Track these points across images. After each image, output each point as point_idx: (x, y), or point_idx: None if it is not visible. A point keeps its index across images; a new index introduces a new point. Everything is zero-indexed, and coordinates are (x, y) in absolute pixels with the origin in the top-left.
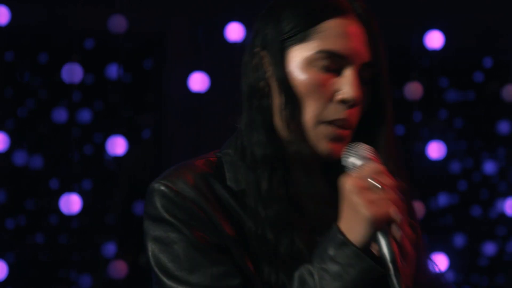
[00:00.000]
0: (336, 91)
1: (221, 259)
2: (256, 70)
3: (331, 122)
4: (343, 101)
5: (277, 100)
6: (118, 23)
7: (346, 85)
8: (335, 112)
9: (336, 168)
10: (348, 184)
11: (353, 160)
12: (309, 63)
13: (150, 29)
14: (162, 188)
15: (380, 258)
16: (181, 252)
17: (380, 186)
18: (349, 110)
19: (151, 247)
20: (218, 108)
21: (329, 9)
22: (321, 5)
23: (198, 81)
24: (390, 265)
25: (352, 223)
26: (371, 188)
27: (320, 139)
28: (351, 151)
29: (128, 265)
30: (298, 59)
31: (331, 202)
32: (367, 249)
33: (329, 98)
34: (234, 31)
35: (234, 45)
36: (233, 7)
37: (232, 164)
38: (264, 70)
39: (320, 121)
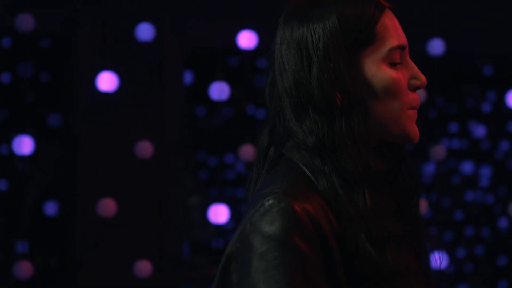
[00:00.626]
0: (409, 80)
1: None
2: (333, 84)
3: (414, 107)
4: (417, 87)
5: (363, 112)
6: (25, 21)
7: (416, 73)
8: (414, 98)
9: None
10: None
11: None
12: (382, 62)
13: (59, 28)
14: (283, 204)
15: None
16: (283, 278)
17: None
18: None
19: (252, 263)
20: (127, 107)
21: (378, 5)
22: (370, 4)
23: (106, 81)
24: None
25: None
26: None
27: (409, 123)
28: None
29: (36, 266)
30: (372, 63)
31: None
32: None
33: (406, 87)
34: (145, 31)
35: (144, 45)
36: (143, 6)
37: (319, 179)
38: (341, 83)
39: (407, 110)
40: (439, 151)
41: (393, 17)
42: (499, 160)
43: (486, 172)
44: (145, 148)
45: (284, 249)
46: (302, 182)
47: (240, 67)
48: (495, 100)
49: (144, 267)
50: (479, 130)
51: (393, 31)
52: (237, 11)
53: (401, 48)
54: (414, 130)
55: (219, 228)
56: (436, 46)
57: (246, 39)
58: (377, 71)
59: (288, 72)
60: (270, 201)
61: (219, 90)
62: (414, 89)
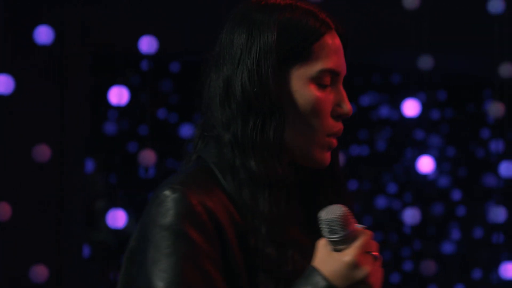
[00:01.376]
0: (334, 106)
1: (217, 284)
2: (256, 88)
3: (331, 134)
4: (341, 116)
5: (276, 119)
6: None
7: (343, 101)
8: (335, 125)
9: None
10: (356, 270)
11: (339, 235)
12: (310, 82)
13: None
14: (176, 195)
15: None
16: (178, 266)
17: (376, 256)
18: (341, 121)
19: (148, 253)
20: (24, 111)
21: (322, 26)
22: (314, 23)
23: (2, 84)
24: None
25: (344, 279)
26: (369, 260)
27: (321, 150)
28: (337, 223)
29: None
30: (300, 79)
31: (304, 224)
32: None
33: (329, 113)
34: (44, 34)
35: (43, 48)
36: (41, 9)
37: (223, 173)
38: (264, 88)
39: (324, 135)
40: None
41: (337, 41)
42: (406, 167)
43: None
44: (42, 152)
45: (176, 238)
46: (203, 177)
47: (141, 71)
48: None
49: (40, 272)
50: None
51: (330, 54)
52: (139, 15)
53: (333, 72)
54: (321, 157)
55: (119, 232)
56: None
57: (147, 44)
58: (302, 88)
59: (222, 68)
60: (165, 192)
61: (118, 95)
62: (337, 116)
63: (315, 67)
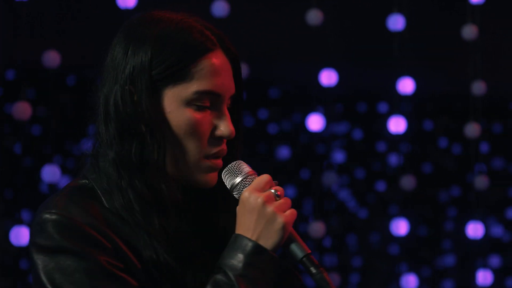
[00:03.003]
0: (214, 128)
1: (126, 283)
2: (129, 108)
3: (211, 156)
4: (221, 137)
5: (154, 140)
6: None
7: (223, 122)
8: (214, 146)
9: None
10: (255, 197)
11: (238, 180)
12: (186, 104)
13: None
14: (55, 217)
15: (293, 258)
16: (86, 280)
17: (279, 194)
18: (223, 142)
19: (48, 280)
20: None
21: (202, 46)
22: (193, 42)
23: None
24: (308, 262)
25: (266, 232)
26: (273, 197)
27: (201, 172)
28: (233, 172)
29: None
30: (174, 100)
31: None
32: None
33: (208, 134)
34: None
35: None
36: None
37: (107, 192)
38: (137, 108)
39: (201, 157)
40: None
41: (223, 60)
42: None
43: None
44: None
45: (71, 256)
46: (80, 195)
47: (45, 86)
48: (299, 122)
49: None
50: (283, 152)
51: (209, 75)
52: (42, 29)
53: (211, 93)
54: (204, 179)
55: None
56: None
57: (52, 59)
58: (176, 109)
59: (104, 84)
60: (44, 217)
61: (21, 110)
62: (217, 138)
63: (190, 89)
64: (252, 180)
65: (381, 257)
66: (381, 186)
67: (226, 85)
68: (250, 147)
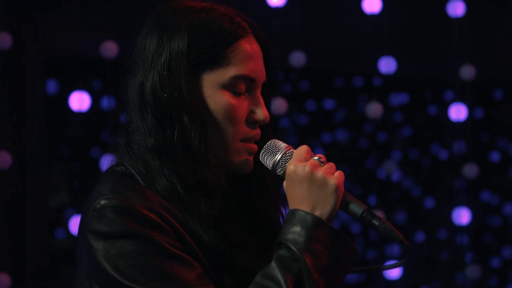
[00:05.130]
0: (249, 112)
1: (191, 263)
2: (167, 94)
3: (247, 140)
4: (257, 122)
5: (195, 125)
6: None
7: (259, 108)
8: (250, 131)
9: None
10: (301, 167)
11: (279, 156)
12: (224, 88)
13: None
14: (114, 202)
15: (354, 217)
16: (151, 263)
17: (322, 160)
18: (257, 127)
19: (110, 265)
20: None
21: (235, 31)
22: (227, 28)
23: None
24: (369, 217)
25: (320, 198)
26: (318, 164)
27: (238, 156)
28: (271, 151)
29: None
30: (212, 85)
31: (241, 221)
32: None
33: (244, 119)
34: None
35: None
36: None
37: (147, 179)
38: (176, 93)
39: (238, 141)
40: None
41: (255, 46)
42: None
43: None
44: (3, 159)
45: (132, 240)
46: (129, 182)
47: (103, 77)
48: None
49: (2, 280)
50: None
51: (244, 60)
52: (97, 22)
53: (247, 79)
54: (240, 162)
55: None
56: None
57: (109, 49)
58: (214, 94)
59: (137, 73)
60: (102, 202)
61: (79, 100)
62: (253, 123)
63: (227, 74)
64: (292, 154)
65: (447, 247)
66: (445, 174)
67: (260, 70)
68: (316, 136)
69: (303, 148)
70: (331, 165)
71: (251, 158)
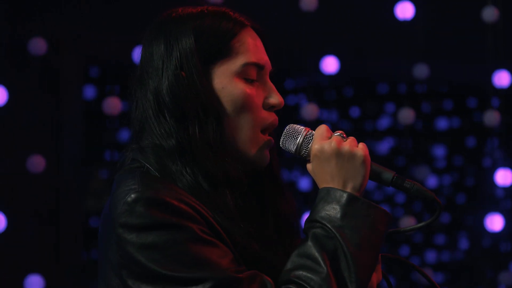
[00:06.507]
0: (265, 98)
1: (223, 249)
2: (185, 91)
3: (266, 129)
4: (273, 107)
5: (211, 119)
6: None
7: (272, 93)
8: (268, 116)
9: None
10: (327, 144)
11: (301, 139)
12: (237, 76)
13: None
14: (147, 195)
15: (385, 184)
16: (186, 252)
17: (344, 136)
18: (274, 113)
19: (145, 257)
20: (18, 122)
21: (236, 24)
22: (227, 23)
23: None
24: (399, 181)
25: (351, 171)
26: (341, 139)
27: (258, 148)
28: (291, 136)
29: None
30: (225, 76)
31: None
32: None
33: (261, 106)
34: (38, 45)
35: (37, 59)
36: (35, 21)
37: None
38: (192, 89)
39: (258, 130)
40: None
41: (256, 37)
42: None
43: None
44: (37, 163)
45: (167, 230)
46: (154, 178)
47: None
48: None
49: (36, 282)
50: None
51: (251, 48)
52: (133, 26)
53: (257, 66)
54: (260, 155)
55: None
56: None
57: None
58: (228, 83)
59: (148, 82)
60: (133, 196)
61: (111, 105)
62: (269, 108)
63: (238, 62)
64: (312, 135)
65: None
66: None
67: (265, 58)
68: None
69: (323, 127)
70: (352, 138)
71: (268, 151)
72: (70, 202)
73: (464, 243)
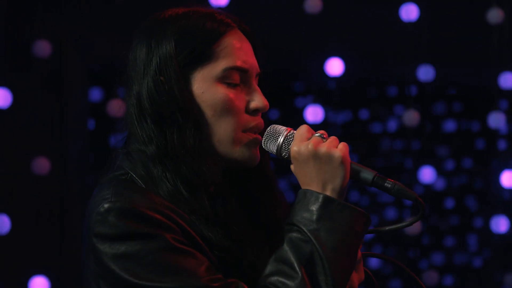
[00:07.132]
0: (247, 103)
1: (198, 257)
2: (163, 97)
3: (249, 129)
4: (257, 110)
5: (189, 124)
6: None
7: (256, 96)
8: (252, 119)
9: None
10: (304, 146)
11: (281, 140)
12: (218, 81)
13: None
14: (118, 204)
15: (365, 184)
16: (159, 260)
17: (324, 136)
18: (259, 115)
19: (118, 266)
20: (22, 124)
21: (220, 27)
22: (211, 25)
23: (0, 97)
24: (380, 181)
25: (329, 173)
26: (320, 140)
27: (242, 147)
28: (272, 136)
29: None
30: (205, 80)
31: (243, 216)
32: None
33: (243, 109)
34: (41, 48)
35: (41, 61)
36: (39, 23)
37: (148, 183)
38: (171, 95)
39: (240, 131)
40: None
41: (243, 39)
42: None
43: None
44: (41, 165)
45: (139, 240)
46: (132, 186)
47: None
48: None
49: (41, 283)
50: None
51: (234, 52)
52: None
53: (239, 70)
54: (246, 154)
55: None
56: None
57: None
58: (209, 88)
59: (132, 86)
60: (105, 206)
61: (116, 107)
62: (252, 111)
63: (219, 66)
64: (293, 135)
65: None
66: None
67: (251, 61)
68: (352, 145)
69: (303, 128)
70: (333, 138)
71: (257, 150)
72: (75, 204)
73: (473, 245)
